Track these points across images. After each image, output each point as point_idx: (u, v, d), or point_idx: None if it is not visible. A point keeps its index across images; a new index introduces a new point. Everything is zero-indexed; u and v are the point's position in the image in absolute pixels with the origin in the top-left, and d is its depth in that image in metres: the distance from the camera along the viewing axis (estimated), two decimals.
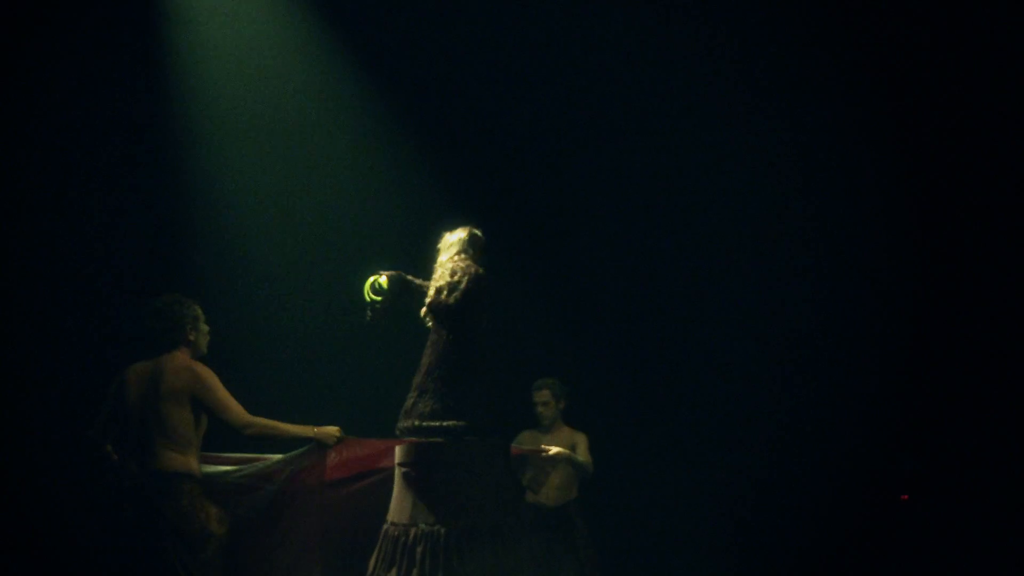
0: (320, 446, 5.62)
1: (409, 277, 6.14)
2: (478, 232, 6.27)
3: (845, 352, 8.30)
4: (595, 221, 8.64)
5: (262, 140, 7.95)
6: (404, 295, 6.10)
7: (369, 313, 6.04)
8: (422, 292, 6.16)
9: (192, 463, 5.34)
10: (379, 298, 6.00)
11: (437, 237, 6.25)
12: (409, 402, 6.10)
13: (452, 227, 6.29)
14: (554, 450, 6.95)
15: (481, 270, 6.08)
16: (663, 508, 8.23)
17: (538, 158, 8.56)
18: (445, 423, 5.95)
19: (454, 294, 5.94)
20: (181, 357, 5.43)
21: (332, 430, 5.65)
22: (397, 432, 6.09)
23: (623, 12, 8.09)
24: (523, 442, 7.30)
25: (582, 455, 7.18)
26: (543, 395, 7.39)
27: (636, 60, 8.29)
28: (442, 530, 5.81)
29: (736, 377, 8.47)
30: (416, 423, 6.01)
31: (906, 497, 8.04)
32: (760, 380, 8.40)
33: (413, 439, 5.94)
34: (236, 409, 5.39)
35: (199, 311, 5.53)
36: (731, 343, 8.50)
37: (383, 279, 6.02)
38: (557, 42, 8.30)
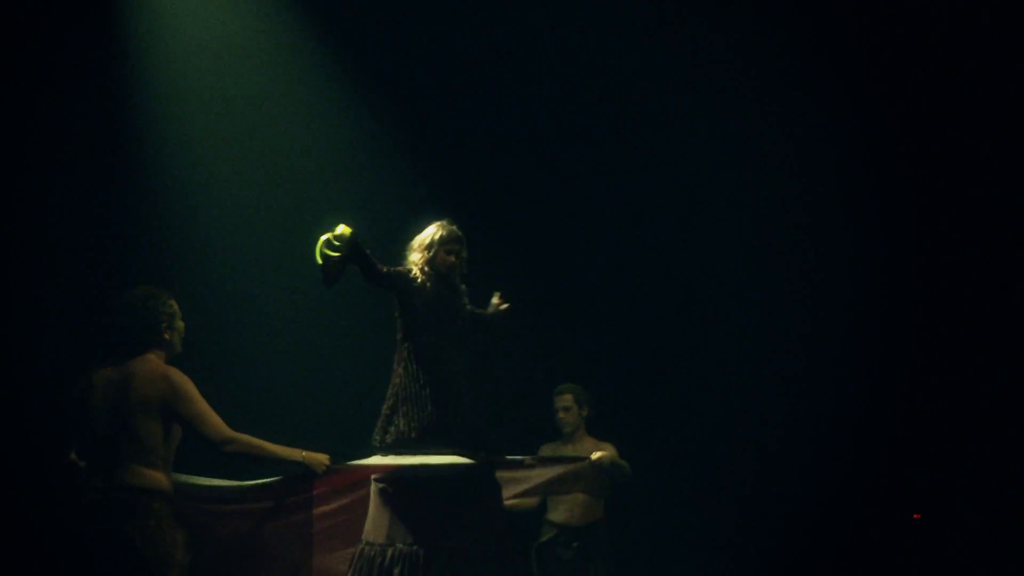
0: (309, 472, 5.16)
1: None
2: (436, 225, 5.86)
3: (856, 361, 8.08)
4: (583, 219, 8.45)
5: (231, 125, 7.67)
6: (352, 258, 5.50)
7: (326, 269, 5.40)
8: (372, 265, 5.63)
9: (162, 480, 4.86)
10: (336, 253, 5.39)
11: (418, 229, 5.88)
12: (386, 414, 5.73)
13: (433, 220, 5.91)
14: (598, 454, 6.41)
15: (424, 267, 5.75)
16: (664, 523, 8.01)
17: (529, 151, 8.32)
18: (426, 437, 5.60)
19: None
20: (154, 361, 4.94)
21: (322, 457, 5.19)
22: (373, 444, 5.71)
23: None
24: (545, 455, 6.88)
25: (619, 459, 6.77)
26: (565, 400, 7.05)
27: (631, 48, 8.13)
28: (421, 551, 5.49)
29: (741, 391, 8.24)
30: (394, 437, 5.64)
31: (919, 516, 7.82)
32: (766, 393, 8.18)
33: (400, 460, 5.56)
34: (216, 423, 4.90)
35: (175, 306, 5.05)
36: (736, 353, 8.30)
37: (344, 229, 5.42)
38: (549, 23, 8.10)
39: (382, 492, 5.65)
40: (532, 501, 6.69)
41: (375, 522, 5.64)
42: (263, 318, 7.69)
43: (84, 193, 7.20)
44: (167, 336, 4.98)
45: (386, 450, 5.67)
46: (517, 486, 6.04)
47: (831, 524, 7.81)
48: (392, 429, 5.66)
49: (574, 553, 6.91)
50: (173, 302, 5.04)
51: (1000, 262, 7.75)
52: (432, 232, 5.81)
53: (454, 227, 5.83)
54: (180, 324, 5.06)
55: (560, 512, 6.95)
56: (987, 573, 7.33)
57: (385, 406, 5.73)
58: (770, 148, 8.16)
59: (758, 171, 8.18)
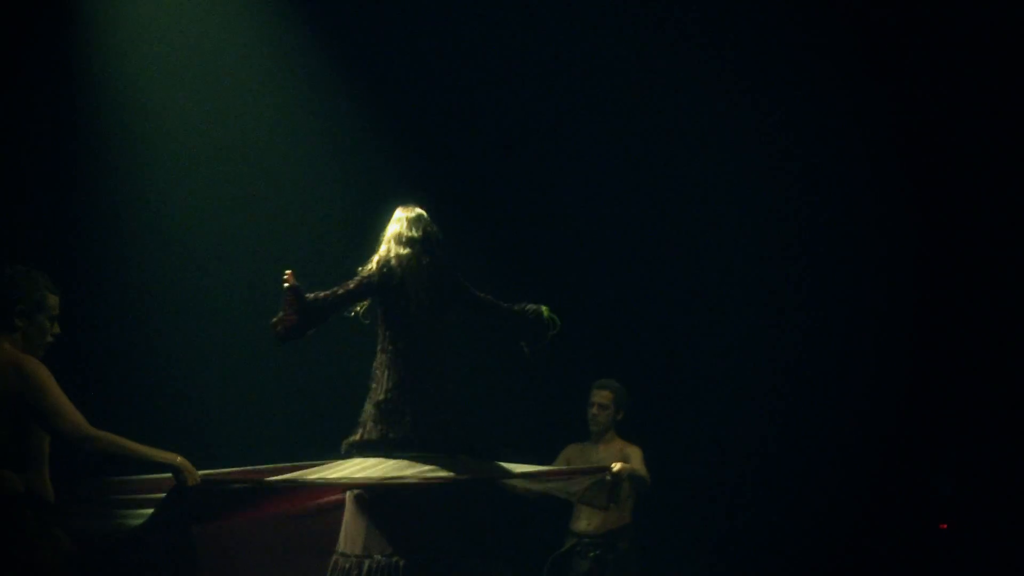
0: (180, 479, 4.54)
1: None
2: (419, 212, 5.50)
3: (874, 361, 7.88)
4: (574, 209, 8.24)
5: (195, 104, 7.36)
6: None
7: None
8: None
9: (37, 483, 4.37)
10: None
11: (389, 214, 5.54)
12: (363, 416, 5.38)
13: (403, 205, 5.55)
14: (618, 466, 5.98)
15: (423, 259, 5.38)
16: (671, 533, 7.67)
17: (515, 132, 8.09)
18: (405, 438, 5.25)
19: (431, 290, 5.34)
20: (7, 349, 4.40)
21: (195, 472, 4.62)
22: (343, 448, 5.36)
23: None
24: (570, 456, 6.73)
25: (639, 469, 6.48)
26: (603, 395, 6.77)
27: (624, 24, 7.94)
28: (400, 562, 5.18)
29: (748, 394, 8.03)
30: (368, 438, 5.30)
31: (945, 526, 7.65)
32: (775, 394, 7.98)
33: (376, 470, 5.18)
34: (73, 417, 4.33)
35: (52, 300, 4.50)
36: (751, 356, 8.09)
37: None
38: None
39: (357, 499, 5.32)
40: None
41: (350, 531, 5.31)
42: (230, 314, 7.40)
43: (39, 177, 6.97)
44: (19, 323, 4.42)
45: (360, 451, 5.31)
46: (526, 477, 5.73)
47: (851, 540, 7.70)
48: (371, 432, 5.31)
49: (590, 563, 6.67)
50: (51, 295, 4.50)
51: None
52: (405, 227, 5.45)
53: (422, 214, 5.50)
54: (47, 323, 4.50)
55: (580, 520, 6.71)
56: None
57: (368, 405, 5.38)
58: (777, 148, 8.06)
59: (771, 176, 8.07)
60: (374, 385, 5.35)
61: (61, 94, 7.00)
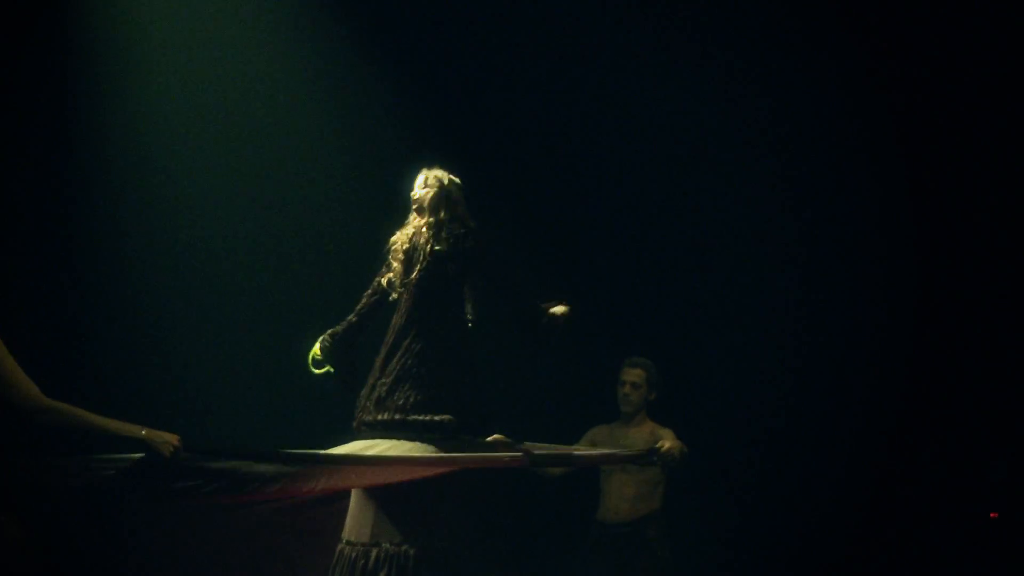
0: (150, 453, 4.31)
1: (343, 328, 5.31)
2: (456, 179, 5.37)
3: (916, 345, 7.73)
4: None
5: (196, 64, 7.26)
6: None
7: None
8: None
9: None
10: (321, 371, 5.30)
11: (403, 180, 5.38)
12: (378, 390, 5.15)
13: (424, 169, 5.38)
14: (668, 445, 5.82)
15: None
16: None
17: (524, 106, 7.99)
18: (434, 417, 5.05)
19: (454, 262, 5.13)
20: None
21: (169, 437, 4.35)
22: (359, 427, 5.18)
23: None
24: (596, 439, 6.58)
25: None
26: (634, 374, 6.60)
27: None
28: (411, 551, 5.01)
29: (780, 380, 7.89)
30: (391, 416, 5.09)
31: (996, 515, 7.47)
32: (816, 375, 7.85)
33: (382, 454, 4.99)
34: (26, 387, 4.07)
35: None
36: (778, 336, 7.93)
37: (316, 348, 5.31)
38: None
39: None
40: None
41: (357, 518, 5.13)
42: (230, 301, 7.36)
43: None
44: None
45: (370, 432, 5.12)
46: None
47: (898, 528, 7.65)
48: (459, 413, 5.11)
49: (618, 555, 6.53)
50: None
51: None
52: (461, 194, 5.33)
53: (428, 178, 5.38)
54: None
55: (605, 510, 6.60)
56: None
57: (381, 383, 5.16)
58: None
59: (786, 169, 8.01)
60: (451, 364, 5.12)
61: (59, 81, 6.96)
